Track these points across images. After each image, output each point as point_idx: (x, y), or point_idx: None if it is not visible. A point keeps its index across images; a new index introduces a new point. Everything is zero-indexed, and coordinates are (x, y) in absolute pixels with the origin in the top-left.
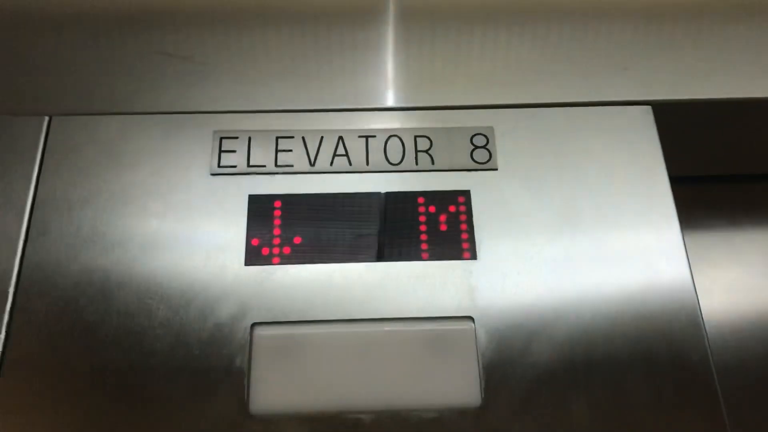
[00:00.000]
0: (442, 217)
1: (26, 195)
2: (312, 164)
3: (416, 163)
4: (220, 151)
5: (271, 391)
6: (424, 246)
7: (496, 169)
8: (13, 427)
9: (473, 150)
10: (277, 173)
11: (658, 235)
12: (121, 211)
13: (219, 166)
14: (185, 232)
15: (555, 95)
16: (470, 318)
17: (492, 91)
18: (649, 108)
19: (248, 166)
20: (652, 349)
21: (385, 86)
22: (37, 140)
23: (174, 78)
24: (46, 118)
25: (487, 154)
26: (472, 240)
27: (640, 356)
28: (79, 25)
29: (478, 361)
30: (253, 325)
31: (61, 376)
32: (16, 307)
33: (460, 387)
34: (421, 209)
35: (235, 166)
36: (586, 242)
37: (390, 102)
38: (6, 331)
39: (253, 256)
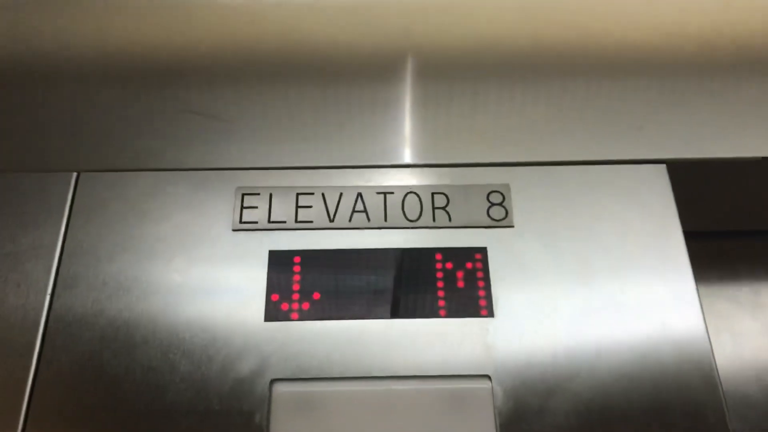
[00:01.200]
0: (459, 274)
1: (54, 248)
2: (331, 220)
3: (433, 220)
4: (242, 207)
5: None
6: (441, 303)
7: (513, 226)
8: None
9: (490, 207)
10: (297, 229)
11: (672, 290)
12: (146, 266)
13: (241, 221)
14: (208, 286)
15: (570, 153)
16: (487, 376)
17: (508, 149)
18: (663, 166)
19: (269, 221)
20: (668, 405)
21: (402, 144)
22: (66, 195)
23: (199, 136)
24: (75, 174)
25: (504, 211)
26: (489, 297)
27: (656, 413)
28: (107, 83)
29: (496, 420)
30: (273, 381)
31: (85, 425)
32: (42, 358)
33: None
34: (439, 266)
35: (256, 222)
36: (601, 298)
37: (407, 159)
38: (32, 382)
39: (273, 312)
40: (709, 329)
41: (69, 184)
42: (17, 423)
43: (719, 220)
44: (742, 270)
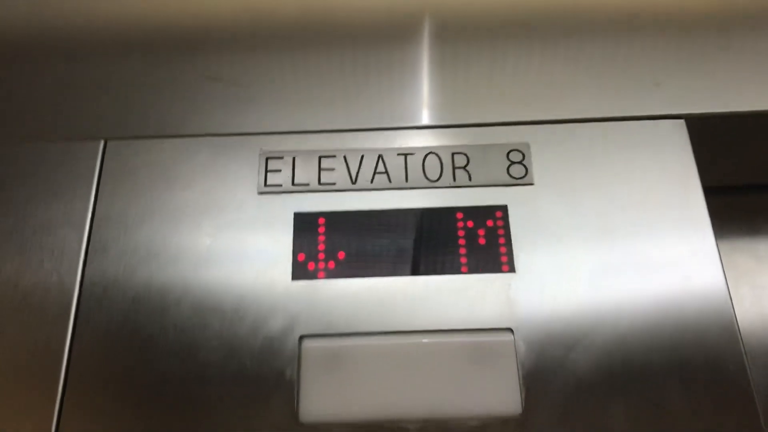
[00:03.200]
0: (481, 232)
1: (85, 215)
2: (354, 182)
3: (454, 180)
4: (267, 171)
5: (320, 400)
6: (463, 260)
7: (533, 184)
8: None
9: (510, 166)
10: (320, 191)
11: (692, 245)
12: (175, 230)
13: (266, 185)
14: (235, 249)
15: (589, 111)
16: (510, 329)
17: (527, 108)
18: (682, 122)
19: (293, 184)
20: (688, 357)
21: (422, 105)
22: (94, 163)
23: (222, 102)
24: (102, 142)
25: (524, 169)
26: (510, 253)
27: (677, 365)
28: (130, 52)
29: (519, 371)
30: (302, 337)
31: (122, 386)
32: (78, 321)
33: (501, 396)
34: (460, 224)
35: (280, 185)
36: (621, 254)
37: (427, 120)
38: (70, 345)
39: (300, 271)
40: (729, 283)
41: (97, 152)
42: (57, 385)
43: (738, 174)
44: (762, 224)
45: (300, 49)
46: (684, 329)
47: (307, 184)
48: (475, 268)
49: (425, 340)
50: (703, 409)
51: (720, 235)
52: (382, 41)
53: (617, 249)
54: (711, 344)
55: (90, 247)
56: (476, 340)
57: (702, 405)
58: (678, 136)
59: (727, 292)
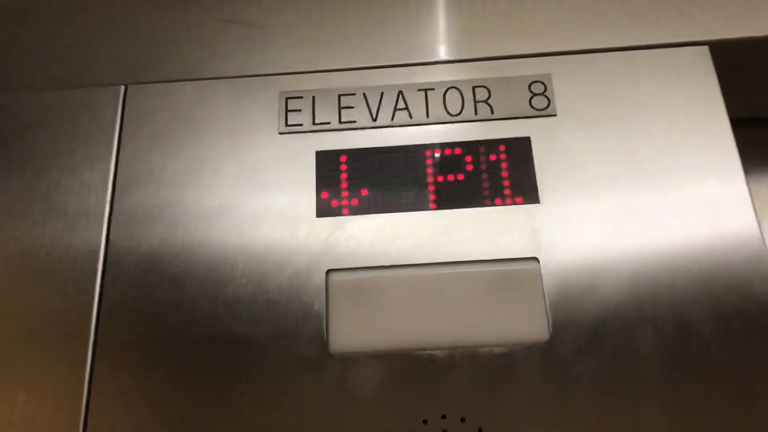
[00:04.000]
0: (504, 165)
1: (109, 159)
2: (374, 119)
3: (475, 113)
4: (287, 111)
5: (348, 331)
6: (486, 193)
7: (555, 115)
8: (112, 369)
9: (531, 97)
10: (341, 129)
11: (720, 176)
12: (197, 172)
13: (286, 125)
14: (258, 189)
15: (610, 40)
16: (535, 259)
17: (547, 39)
18: (706, 48)
19: (314, 123)
20: (716, 284)
21: (441, 40)
22: (116, 108)
23: (239, 44)
24: (123, 87)
25: (546, 100)
26: (533, 185)
27: (704, 291)
28: None
29: (545, 299)
30: (328, 271)
31: (152, 324)
32: (108, 261)
33: (528, 324)
34: (482, 158)
35: (301, 125)
36: (647, 186)
37: (447, 55)
38: (101, 285)
39: (324, 208)
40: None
41: (118, 96)
42: (90, 321)
43: (766, 104)
44: None
45: None
46: (712, 259)
47: (328, 123)
48: (498, 200)
49: (450, 270)
50: (732, 333)
51: (747, 168)
52: None
53: (642, 180)
54: (738, 271)
55: (116, 188)
56: (502, 269)
57: (731, 331)
58: (702, 63)
59: (756, 221)
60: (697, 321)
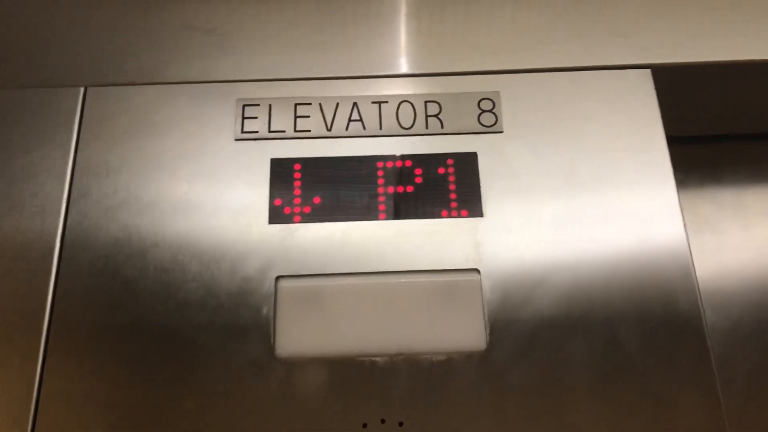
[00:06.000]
0: (451, 178)
1: (66, 161)
2: (329, 129)
3: (426, 127)
4: (243, 118)
5: (295, 336)
6: (433, 205)
7: (502, 132)
8: (63, 369)
9: (480, 114)
10: (296, 138)
11: (654, 192)
12: (154, 175)
13: (242, 131)
14: (213, 194)
15: (558, 60)
16: (476, 270)
17: (498, 57)
18: (648, 71)
19: (269, 131)
20: (645, 297)
21: (396, 54)
22: (74, 110)
23: (200, 49)
24: (82, 89)
25: (494, 117)
26: (478, 199)
27: (634, 305)
28: (109, 1)
29: (484, 309)
30: (278, 278)
31: (104, 325)
32: (62, 262)
33: (467, 333)
34: (431, 171)
35: (257, 132)
36: (585, 200)
37: (401, 69)
38: (54, 284)
39: (277, 215)
40: (690, 231)
41: (77, 98)
42: (42, 322)
43: (701, 124)
44: (723, 173)
45: None
46: (642, 272)
47: (284, 131)
48: (445, 213)
49: (396, 280)
50: (658, 346)
51: (682, 184)
52: None
53: (581, 195)
54: (667, 286)
55: (72, 190)
56: (444, 279)
57: (656, 341)
58: (644, 86)
59: (685, 237)
60: (626, 333)
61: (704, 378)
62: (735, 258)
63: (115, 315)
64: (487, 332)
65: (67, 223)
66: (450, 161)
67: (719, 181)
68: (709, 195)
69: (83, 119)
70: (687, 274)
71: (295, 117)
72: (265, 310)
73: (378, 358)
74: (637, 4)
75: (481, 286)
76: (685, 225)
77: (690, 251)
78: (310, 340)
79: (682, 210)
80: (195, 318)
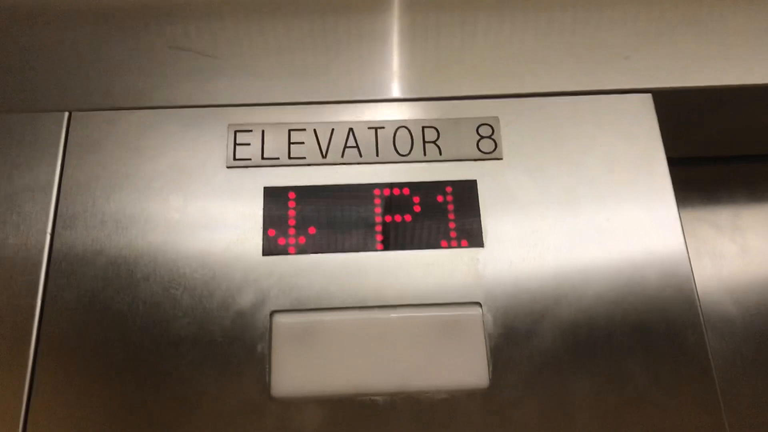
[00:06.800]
0: (450, 207)
1: (51, 189)
2: (324, 156)
3: (424, 154)
4: (236, 144)
5: (291, 375)
6: (432, 235)
7: (501, 159)
8: (50, 411)
9: (479, 140)
10: (290, 165)
11: (656, 217)
12: (143, 205)
13: (234, 158)
14: (205, 223)
15: (558, 84)
16: (478, 303)
17: (497, 81)
18: (649, 96)
19: (262, 158)
20: (650, 328)
21: (393, 77)
22: (59, 135)
23: (189, 73)
24: (66, 114)
25: (493, 144)
26: (478, 228)
27: (639, 335)
28: (95, 21)
29: (486, 345)
30: (273, 312)
31: (93, 362)
32: (47, 297)
33: (469, 369)
34: (430, 199)
35: (249, 159)
36: (586, 227)
37: (398, 93)
38: (39, 321)
39: (271, 247)
40: (690, 253)
41: (61, 123)
42: (27, 361)
43: (700, 146)
44: (722, 194)
45: (269, 19)
46: (646, 299)
47: (277, 158)
48: (444, 243)
49: (395, 315)
50: (663, 377)
51: (682, 205)
52: (352, 11)
53: (583, 223)
54: (671, 314)
55: (57, 220)
56: (445, 314)
57: (662, 374)
58: (645, 110)
59: (689, 263)
60: (632, 369)
61: (710, 409)
62: (734, 280)
63: (104, 352)
64: (490, 369)
65: (52, 256)
66: (449, 189)
67: (718, 202)
68: (708, 216)
69: (68, 145)
70: (692, 306)
71: (289, 143)
72: (260, 347)
73: (378, 397)
74: (637, 28)
75: (483, 321)
76: (688, 252)
77: (694, 280)
78: (306, 379)
79: (685, 238)
80: (187, 355)
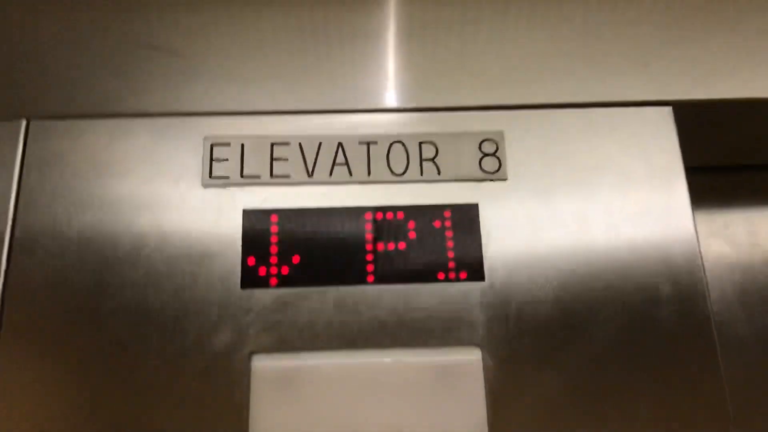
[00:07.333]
0: (449, 234)
1: (6, 210)
2: (310, 175)
3: (421, 174)
4: (212, 160)
5: (272, 425)
6: (428, 265)
7: (506, 179)
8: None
9: (482, 158)
10: (273, 184)
11: (676, 248)
12: (110, 229)
13: (211, 176)
14: (178, 251)
15: (570, 95)
16: (477, 347)
17: (502, 90)
18: (669, 109)
19: (242, 176)
20: (668, 381)
21: (386, 84)
22: (15, 147)
23: (161, 76)
24: (24, 122)
25: (497, 162)
26: (479, 259)
27: (653, 384)
28: (56, 16)
29: (485, 394)
30: (251, 354)
31: (52, 408)
32: (2, 331)
33: (465, 421)
34: (426, 224)
35: (228, 177)
36: (599, 260)
37: (393, 102)
38: None
39: (250, 278)
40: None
41: (18, 133)
42: None
43: (717, 156)
44: (737, 202)
45: (252, 15)
46: (663, 344)
47: (258, 176)
48: (441, 275)
49: (386, 359)
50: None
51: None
52: (344, 7)
53: (595, 254)
54: (690, 359)
55: (13, 247)
56: (440, 359)
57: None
58: (664, 124)
59: (710, 309)
60: (642, 412)
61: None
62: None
63: (70, 407)
64: (489, 422)
65: (7, 286)
66: (447, 213)
67: (732, 209)
68: (722, 221)
69: (25, 158)
70: (706, 317)
71: (272, 159)
72: (237, 395)
73: None
74: (657, 33)
75: (482, 367)
76: (708, 292)
77: (711, 312)
78: (289, 430)
79: (703, 263)
80: (159, 404)
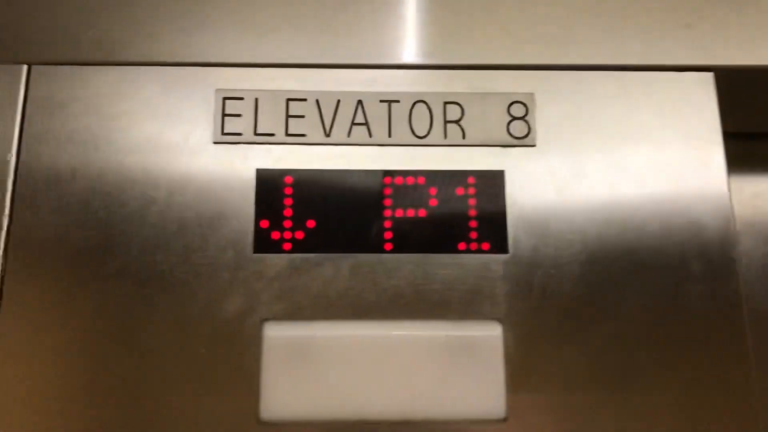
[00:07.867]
0: (471, 202)
1: (7, 165)
2: (327, 134)
3: (445, 137)
4: (224, 115)
5: (283, 396)
6: (449, 235)
7: (534, 146)
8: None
9: (510, 122)
10: (287, 143)
11: (711, 229)
12: (115, 185)
13: (223, 133)
14: (188, 211)
15: (606, 56)
16: (498, 320)
17: (534, 48)
18: (710, 75)
19: (255, 133)
20: (694, 364)
21: (410, 37)
22: (15, 95)
23: (171, 22)
24: (25, 67)
25: (526, 127)
26: (503, 229)
27: (675, 367)
28: None
29: (504, 370)
30: (263, 321)
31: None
32: (4, 295)
33: (483, 398)
34: (448, 191)
35: (240, 134)
36: (629, 239)
37: (417, 58)
38: None
39: (263, 242)
40: None
41: (19, 79)
42: None
43: (758, 122)
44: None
45: None
46: (694, 327)
47: (273, 135)
48: (462, 245)
49: (402, 331)
50: None
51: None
52: None
53: (625, 229)
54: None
55: (15, 199)
56: (459, 333)
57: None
58: (704, 92)
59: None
60: (659, 399)
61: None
62: None
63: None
64: (508, 398)
65: (9, 244)
66: (471, 180)
67: (762, 178)
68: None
69: (27, 107)
70: (742, 333)
71: (287, 117)
72: (248, 362)
73: (379, 426)
74: None
75: (503, 342)
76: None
77: (744, 305)
78: (301, 401)
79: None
80: (164, 368)
